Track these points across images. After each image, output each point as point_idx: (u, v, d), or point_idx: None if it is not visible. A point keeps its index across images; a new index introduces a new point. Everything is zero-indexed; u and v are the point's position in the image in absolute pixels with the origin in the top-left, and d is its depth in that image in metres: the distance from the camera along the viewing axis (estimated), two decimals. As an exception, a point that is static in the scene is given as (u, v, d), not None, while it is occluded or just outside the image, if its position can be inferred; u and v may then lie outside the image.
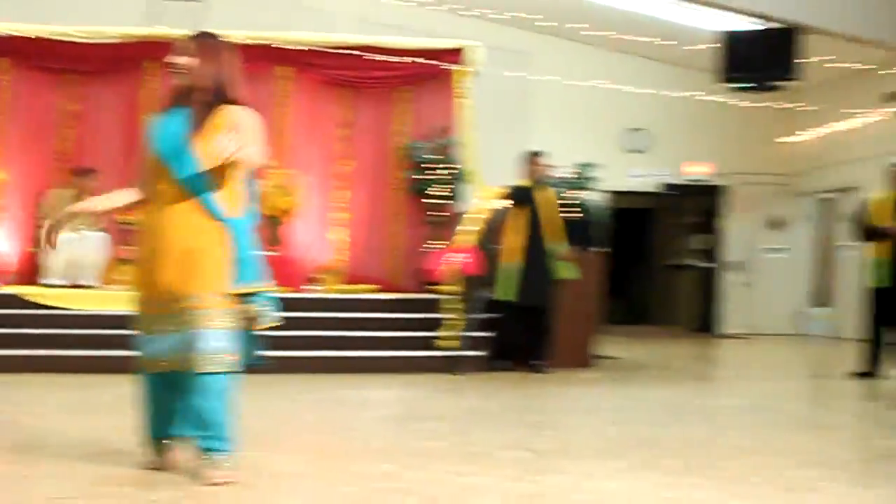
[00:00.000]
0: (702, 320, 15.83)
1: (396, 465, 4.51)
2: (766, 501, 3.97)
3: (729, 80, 11.12)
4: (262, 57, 10.07)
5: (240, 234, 4.03)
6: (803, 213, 15.45)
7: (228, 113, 4.03)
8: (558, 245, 9.05)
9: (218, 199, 4.01)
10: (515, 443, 5.22)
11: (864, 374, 8.85)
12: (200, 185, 3.99)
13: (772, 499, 4.02)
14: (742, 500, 3.97)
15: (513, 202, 9.07)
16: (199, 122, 4.02)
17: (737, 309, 15.31)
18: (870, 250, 9.07)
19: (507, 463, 4.66)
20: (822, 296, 15.23)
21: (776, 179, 15.48)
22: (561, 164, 9.94)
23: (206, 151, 3.96)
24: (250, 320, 4.03)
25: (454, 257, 9.08)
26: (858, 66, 12.54)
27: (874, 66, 12.67)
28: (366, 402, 6.88)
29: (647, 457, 4.88)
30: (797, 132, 15.04)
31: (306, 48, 10.48)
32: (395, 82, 11.00)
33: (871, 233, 8.94)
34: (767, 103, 13.63)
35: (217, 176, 4.00)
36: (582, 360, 9.43)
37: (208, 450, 4.04)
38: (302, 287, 9.84)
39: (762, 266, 15.35)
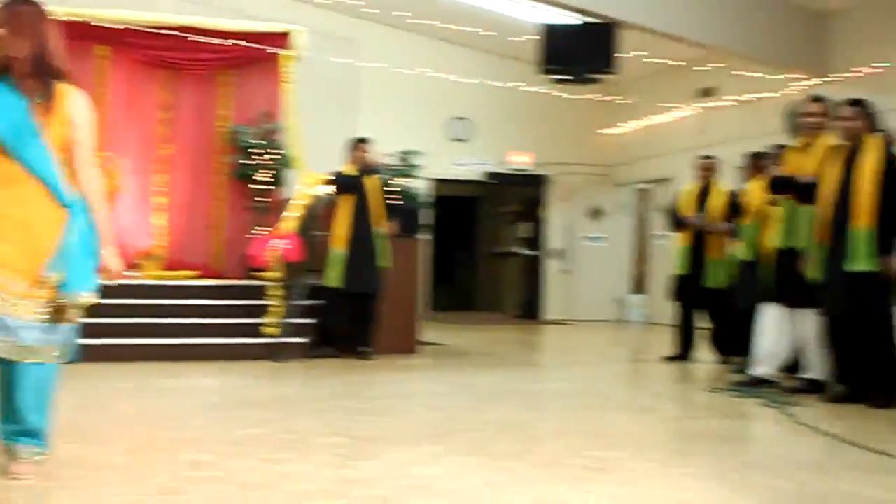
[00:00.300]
0: (526, 307, 16.10)
1: (213, 454, 4.43)
2: (577, 482, 4.05)
3: (549, 72, 11.26)
4: (79, 34, 9.63)
5: (80, 219, 3.81)
6: (621, 203, 15.84)
7: (66, 98, 3.81)
8: (384, 231, 9.08)
9: (61, 182, 3.78)
10: (335, 429, 5.18)
11: (676, 358, 9.21)
12: (44, 166, 3.75)
13: (582, 479, 4.10)
14: (554, 482, 4.04)
15: (339, 189, 9.02)
16: (32, 98, 3.77)
17: (559, 296, 15.64)
18: (677, 239, 9.39)
19: (325, 449, 4.62)
20: (639, 283, 15.68)
21: (596, 170, 15.85)
22: (386, 152, 9.96)
23: (51, 133, 3.74)
24: (70, 310, 3.82)
25: (277, 244, 8.97)
26: (674, 62, 13.01)
27: (689, 63, 13.16)
28: (186, 391, 6.74)
29: (468, 441, 4.92)
30: (617, 124, 15.41)
31: (126, 27, 10.12)
32: (220, 65, 10.80)
33: (678, 222, 9.27)
34: (588, 95, 13.96)
35: (60, 159, 3.78)
36: (406, 346, 9.49)
37: (19, 443, 3.86)
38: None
39: (582, 254, 15.69)
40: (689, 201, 9.23)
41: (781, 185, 7.04)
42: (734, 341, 8.33)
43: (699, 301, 9.05)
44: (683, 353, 9.23)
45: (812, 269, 6.61)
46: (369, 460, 4.42)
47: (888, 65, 10.57)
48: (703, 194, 9.12)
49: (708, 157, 9.36)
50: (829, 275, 6.48)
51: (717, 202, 8.98)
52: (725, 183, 9.24)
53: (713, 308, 8.96)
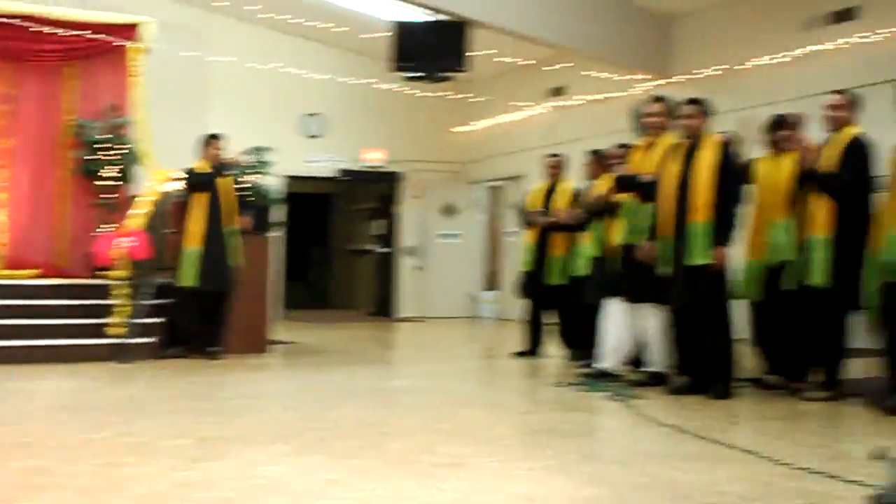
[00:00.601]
0: (380, 304, 16.07)
1: (52, 460, 4.28)
2: (425, 478, 4.05)
3: (400, 69, 11.29)
4: None
5: None
6: (474, 201, 15.96)
7: None
8: (237, 229, 8.94)
9: None
10: (180, 431, 5.07)
11: (525, 354, 9.32)
12: None
13: (430, 475, 4.10)
14: (401, 478, 4.03)
15: (191, 187, 8.83)
16: None
17: (413, 293, 15.63)
18: (525, 236, 9.52)
19: (169, 452, 4.52)
20: (491, 280, 15.85)
21: (449, 167, 15.97)
22: (238, 148, 9.80)
23: None
24: None
25: (123, 241, 8.71)
26: (525, 61, 13.22)
27: (539, 62, 13.37)
28: (24, 394, 6.48)
29: (316, 440, 4.87)
30: (470, 122, 15.56)
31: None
32: (65, 57, 10.42)
33: (526, 220, 9.40)
34: (441, 93, 14.12)
35: None
36: (258, 345, 9.34)
37: None
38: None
39: (436, 251, 15.73)
40: (537, 199, 9.35)
41: (625, 184, 7.23)
42: (581, 336, 8.45)
43: (545, 297, 9.17)
44: (532, 348, 9.34)
45: (662, 264, 6.78)
46: (215, 461, 4.34)
47: (726, 67, 10.97)
48: (550, 192, 9.23)
49: (555, 156, 9.47)
50: (672, 269, 6.66)
51: (562, 200, 9.09)
52: (573, 181, 9.35)
53: (558, 304, 9.09)
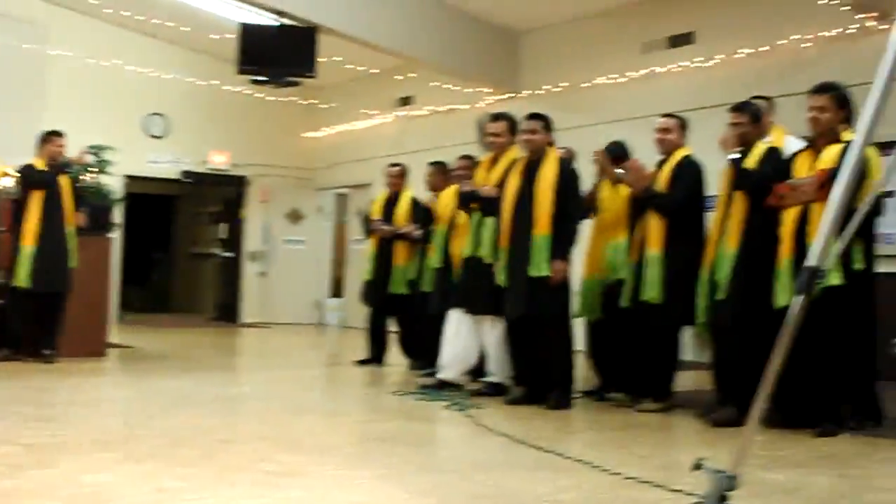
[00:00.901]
0: (224, 309, 15.90)
1: None
2: (259, 487, 3.99)
3: (246, 72, 11.18)
4: None
5: None
6: (321, 207, 15.89)
7: None
8: (74, 229, 8.67)
9: None
10: (6, 438, 4.85)
11: (368, 362, 9.33)
12: None
13: (264, 484, 4.04)
14: (234, 487, 3.95)
15: (29, 184, 8.51)
16: None
17: (257, 298, 15.53)
18: (368, 245, 9.51)
19: (-9, 460, 4.36)
20: (337, 287, 15.84)
21: (296, 173, 15.89)
22: (78, 146, 9.50)
23: None
24: None
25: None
26: (373, 69, 13.24)
27: (388, 71, 13.41)
28: None
29: (149, 448, 4.75)
30: (319, 128, 15.53)
31: None
32: None
33: (368, 228, 9.42)
34: (289, 98, 14.09)
35: None
36: (94, 349, 9.05)
37: None
38: None
39: (281, 257, 15.61)
40: (379, 208, 9.38)
41: (468, 199, 7.34)
42: (422, 346, 8.51)
43: (387, 306, 9.20)
44: (375, 356, 9.35)
45: (499, 275, 6.86)
46: (42, 469, 4.17)
47: (571, 84, 11.22)
48: (392, 201, 9.27)
49: (396, 165, 9.50)
50: (511, 280, 6.75)
51: (403, 209, 9.15)
52: (416, 191, 9.42)
53: (400, 313, 9.15)
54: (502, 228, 6.84)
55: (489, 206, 7.04)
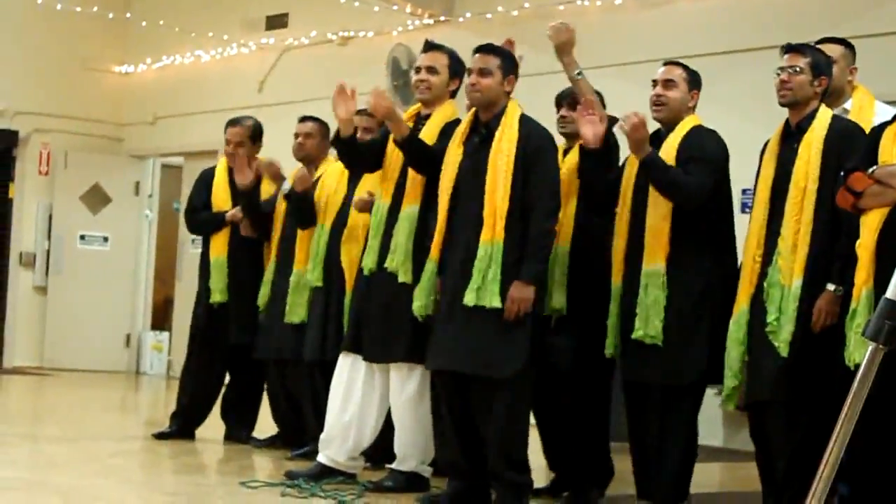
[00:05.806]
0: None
1: None
2: None
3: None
4: None
5: None
6: (138, 185, 14.66)
7: None
8: None
9: None
10: None
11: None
12: None
13: None
14: None
15: None
16: None
17: (32, 329, 14.32)
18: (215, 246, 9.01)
19: None
20: (162, 314, 15.05)
21: (101, 129, 14.69)
22: None
23: None
24: None
25: None
26: None
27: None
28: None
29: None
30: (140, 61, 14.63)
31: None
32: None
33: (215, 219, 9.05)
34: (92, 8, 13.36)
35: None
36: None
37: None
38: None
39: (74, 263, 14.29)
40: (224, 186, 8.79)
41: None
42: (294, 410, 8.05)
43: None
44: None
45: (418, 301, 6.64)
46: None
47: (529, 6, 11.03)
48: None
49: (241, 122, 9.06)
50: (439, 312, 6.46)
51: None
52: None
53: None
54: (437, 228, 6.28)
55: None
